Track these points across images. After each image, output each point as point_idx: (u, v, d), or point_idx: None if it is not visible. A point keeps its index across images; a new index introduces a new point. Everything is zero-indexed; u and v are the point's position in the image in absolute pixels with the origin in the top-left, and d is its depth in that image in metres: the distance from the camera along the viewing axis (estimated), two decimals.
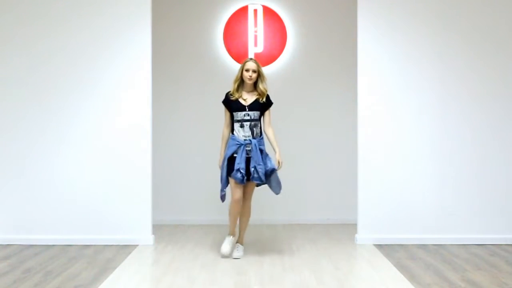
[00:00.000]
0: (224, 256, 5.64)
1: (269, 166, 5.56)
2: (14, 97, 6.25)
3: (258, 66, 5.65)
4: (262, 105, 5.68)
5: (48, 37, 6.24)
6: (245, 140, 5.59)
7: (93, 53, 6.25)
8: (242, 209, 5.72)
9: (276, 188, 5.68)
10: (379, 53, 6.29)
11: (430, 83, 6.29)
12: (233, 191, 5.61)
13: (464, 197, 6.29)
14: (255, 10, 7.52)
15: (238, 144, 5.58)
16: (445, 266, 5.31)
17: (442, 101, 6.28)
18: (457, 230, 6.28)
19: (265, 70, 7.36)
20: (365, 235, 6.27)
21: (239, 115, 5.63)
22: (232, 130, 5.68)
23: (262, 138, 5.69)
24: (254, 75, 5.64)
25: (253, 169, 5.51)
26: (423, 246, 6.09)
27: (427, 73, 6.29)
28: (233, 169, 5.54)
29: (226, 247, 5.67)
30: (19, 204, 6.25)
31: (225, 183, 5.67)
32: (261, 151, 5.59)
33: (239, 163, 5.51)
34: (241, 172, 5.49)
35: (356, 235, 6.32)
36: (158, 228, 6.76)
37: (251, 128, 5.62)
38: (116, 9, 6.25)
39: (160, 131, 7.18)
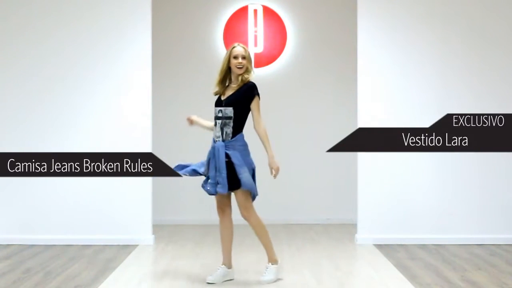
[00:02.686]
0: (209, 282, 4.75)
1: (241, 176, 4.59)
2: (14, 98, 6.26)
3: (246, 51, 4.72)
4: (241, 98, 4.65)
5: (48, 36, 6.25)
6: (216, 142, 4.69)
7: (93, 53, 6.25)
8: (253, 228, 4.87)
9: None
10: (379, 53, 6.29)
11: (430, 82, 6.29)
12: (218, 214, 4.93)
13: (464, 197, 6.29)
14: (255, 10, 7.52)
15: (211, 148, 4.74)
16: (445, 266, 5.31)
17: (442, 100, 6.27)
18: (457, 230, 6.28)
19: (265, 70, 7.37)
20: (365, 235, 6.27)
21: (215, 110, 4.74)
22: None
23: (236, 140, 4.66)
24: (245, 61, 4.67)
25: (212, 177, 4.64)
26: (423, 246, 6.09)
27: (427, 72, 6.29)
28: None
29: (216, 275, 4.78)
30: (19, 204, 6.26)
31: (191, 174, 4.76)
32: (228, 156, 4.59)
33: (210, 171, 4.69)
34: (210, 183, 4.67)
35: (356, 235, 6.31)
36: (158, 228, 6.76)
37: (221, 128, 4.67)
38: (117, 9, 6.25)
39: (160, 130, 7.18)
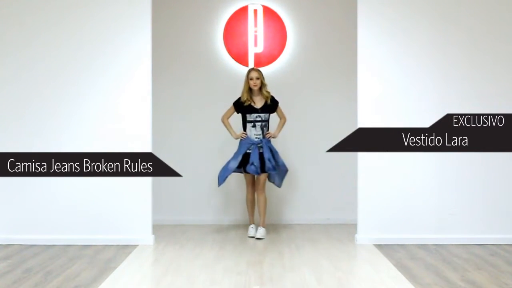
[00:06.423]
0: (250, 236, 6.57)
1: (280, 161, 6.66)
2: (13, 97, 6.25)
3: (259, 73, 6.62)
4: (271, 107, 6.65)
5: (45, 35, 6.22)
6: (256, 138, 6.56)
7: (93, 53, 6.24)
8: (258, 201, 6.65)
9: (279, 183, 6.81)
10: (379, 53, 6.29)
11: (432, 81, 6.28)
12: (247, 189, 6.74)
13: (465, 197, 6.29)
14: (255, 10, 7.52)
15: (250, 143, 6.55)
16: (445, 266, 5.31)
17: (443, 99, 6.26)
18: (457, 230, 6.27)
19: (265, 70, 7.37)
20: (365, 235, 6.27)
21: (252, 116, 6.58)
22: (244, 129, 6.64)
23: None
24: (258, 81, 6.57)
25: (267, 161, 6.47)
26: (423, 246, 6.09)
27: (428, 71, 6.28)
28: (245, 164, 6.51)
29: (250, 231, 6.64)
30: (19, 204, 6.25)
31: (228, 173, 6.53)
32: (271, 149, 6.59)
33: (253, 159, 6.46)
34: (255, 166, 6.43)
35: (356, 235, 6.31)
36: (158, 228, 6.76)
37: (261, 128, 6.58)
38: (116, 8, 6.24)
39: (160, 130, 7.17)
